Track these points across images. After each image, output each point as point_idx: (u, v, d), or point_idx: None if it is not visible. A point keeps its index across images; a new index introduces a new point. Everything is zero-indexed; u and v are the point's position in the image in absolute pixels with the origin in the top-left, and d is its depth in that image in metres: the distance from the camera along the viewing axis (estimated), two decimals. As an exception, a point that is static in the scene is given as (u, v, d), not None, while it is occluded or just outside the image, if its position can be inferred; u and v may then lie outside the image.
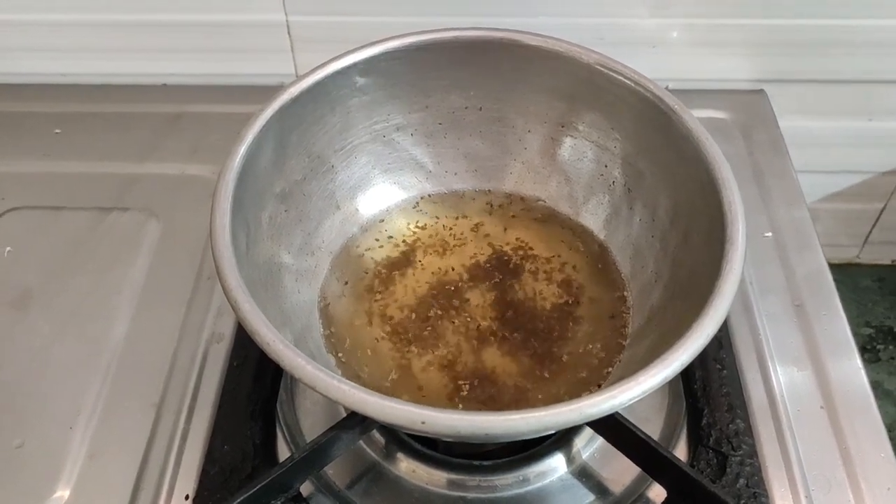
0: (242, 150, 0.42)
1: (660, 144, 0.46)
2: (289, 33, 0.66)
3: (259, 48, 0.68)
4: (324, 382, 0.34)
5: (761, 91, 0.70)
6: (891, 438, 0.76)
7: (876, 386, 0.78)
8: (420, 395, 0.44)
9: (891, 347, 0.82)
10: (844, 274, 0.84)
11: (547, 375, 0.45)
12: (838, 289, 0.55)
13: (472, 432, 0.32)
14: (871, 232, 0.82)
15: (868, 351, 0.81)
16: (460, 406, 0.44)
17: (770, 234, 0.58)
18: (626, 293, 0.48)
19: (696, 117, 0.44)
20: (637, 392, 0.33)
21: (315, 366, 0.34)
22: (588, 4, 0.64)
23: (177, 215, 0.59)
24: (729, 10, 0.65)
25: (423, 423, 0.32)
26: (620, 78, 0.46)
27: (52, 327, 0.53)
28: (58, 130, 0.66)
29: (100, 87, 0.70)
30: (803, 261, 0.56)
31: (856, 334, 0.82)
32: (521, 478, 0.46)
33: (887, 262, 0.86)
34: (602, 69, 0.47)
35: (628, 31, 0.66)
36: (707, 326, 0.35)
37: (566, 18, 0.65)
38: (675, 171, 0.45)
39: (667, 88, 0.68)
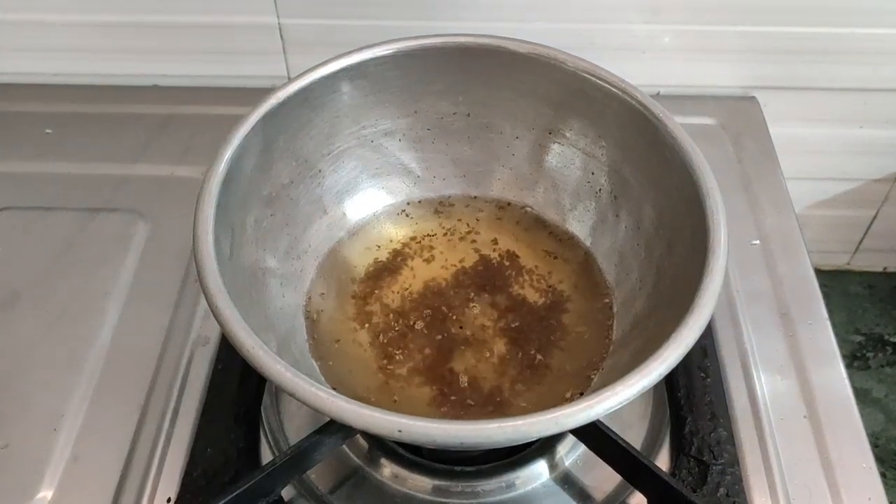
0: (227, 154, 0.42)
1: (646, 153, 0.46)
2: (281, 36, 0.66)
3: (251, 50, 0.68)
4: (302, 389, 0.34)
5: (752, 98, 0.70)
6: (879, 446, 0.76)
7: (865, 393, 0.78)
8: (403, 401, 0.44)
9: (880, 355, 0.82)
10: (835, 281, 0.84)
11: (531, 381, 0.45)
12: (828, 295, 0.55)
13: (448, 441, 0.32)
14: (862, 239, 0.82)
15: (858, 358, 0.81)
16: (444, 410, 0.44)
17: (758, 241, 0.58)
18: (610, 300, 0.48)
19: (681, 126, 0.44)
20: (614, 402, 0.33)
21: (294, 372, 0.35)
22: (580, 10, 0.64)
23: (165, 217, 0.59)
24: (721, 16, 0.65)
25: (399, 431, 0.33)
26: (607, 85, 0.46)
27: (38, 328, 0.53)
28: (49, 131, 0.66)
29: (92, 88, 0.70)
30: (790, 269, 0.56)
31: (845, 342, 0.83)
32: (503, 484, 0.46)
33: (878, 269, 0.86)
34: (589, 76, 0.47)
35: (620, 37, 0.66)
36: (686, 337, 0.35)
37: (557, 24, 0.65)
38: (661, 179, 0.46)
39: (658, 94, 0.69)
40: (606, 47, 0.66)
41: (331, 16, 0.64)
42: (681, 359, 0.35)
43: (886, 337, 0.83)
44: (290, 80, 0.46)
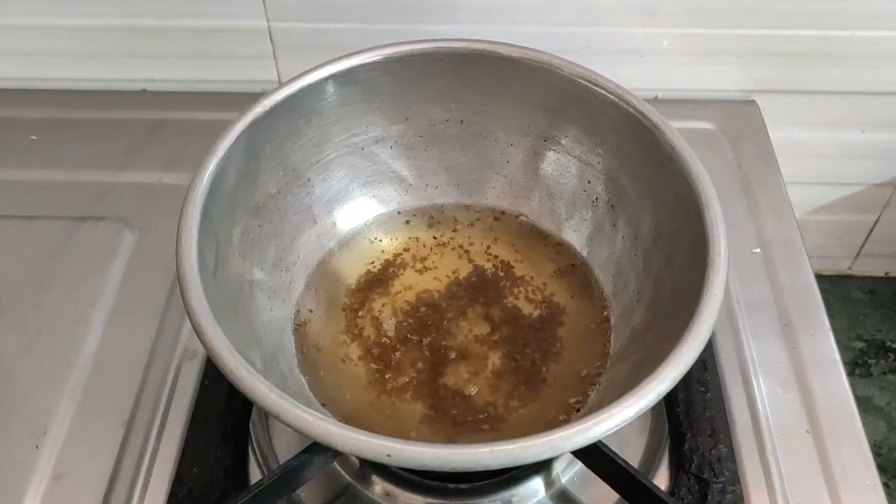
0: (211, 165, 0.41)
1: (642, 161, 0.45)
2: (271, 40, 0.65)
3: (241, 54, 0.66)
4: (286, 411, 0.33)
5: (752, 101, 0.69)
6: (881, 455, 0.75)
7: (867, 401, 0.77)
8: (395, 418, 0.43)
9: (882, 362, 0.81)
10: (836, 286, 0.83)
11: (526, 397, 0.44)
12: (830, 301, 0.53)
13: (439, 466, 0.31)
14: (863, 244, 0.81)
15: (859, 365, 0.80)
16: (437, 427, 0.43)
17: (758, 249, 0.56)
18: (608, 313, 0.47)
19: (679, 133, 0.43)
20: (611, 424, 0.32)
21: (278, 394, 0.33)
22: (577, 13, 0.63)
23: (152, 225, 0.58)
24: (720, 19, 0.63)
25: (388, 455, 0.31)
26: (602, 91, 0.45)
27: (21, 341, 0.52)
28: (34, 137, 0.65)
29: (78, 93, 0.68)
30: (791, 278, 0.55)
31: (847, 348, 0.81)
32: (499, 502, 0.44)
33: (880, 274, 0.85)
34: (584, 82, 0.46)
35: (617, 41, 0.65)
36: (686, 355, 0.34)
37: (553, 27, 0.63)
38: (658, 188, 0.44)
39: (656, 98, 0.68)
40: (603, 51, 0.65)
41: (321, 19, 0.63)
42: (680, 378, 0.34)
43: (888, 343, 0.82)
44: (277, 87, 0.45)
